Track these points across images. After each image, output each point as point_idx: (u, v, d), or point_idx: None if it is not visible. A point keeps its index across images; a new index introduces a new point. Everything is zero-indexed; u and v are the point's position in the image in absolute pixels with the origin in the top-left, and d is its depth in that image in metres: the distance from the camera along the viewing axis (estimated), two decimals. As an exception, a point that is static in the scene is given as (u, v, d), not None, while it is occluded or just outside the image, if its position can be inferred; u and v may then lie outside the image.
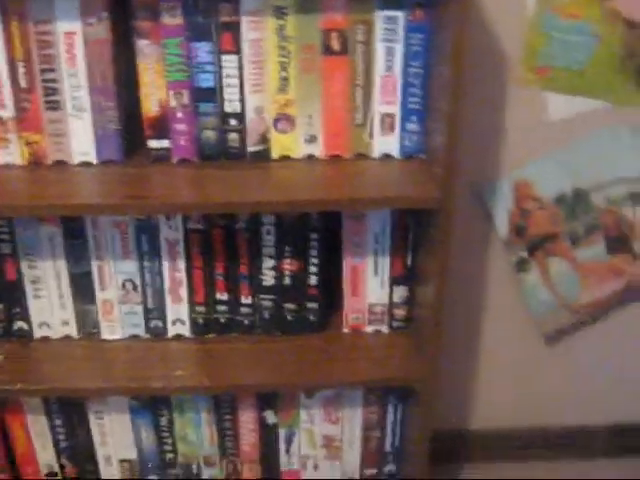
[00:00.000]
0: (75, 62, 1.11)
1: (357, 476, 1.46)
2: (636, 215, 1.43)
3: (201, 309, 1.29)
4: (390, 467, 1.46)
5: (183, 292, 1.28)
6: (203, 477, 1.44)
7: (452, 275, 1.44)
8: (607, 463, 1.69)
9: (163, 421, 1.38)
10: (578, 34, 1.28)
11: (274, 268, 1.26)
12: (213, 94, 1.15)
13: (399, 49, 1.13)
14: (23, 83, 1.13)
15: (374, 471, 1.46)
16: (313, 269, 1.27)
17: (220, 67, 1.13)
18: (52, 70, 1.12)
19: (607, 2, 1.26)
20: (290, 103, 1.16)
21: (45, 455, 1.41)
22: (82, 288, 1.28)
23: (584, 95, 1.33)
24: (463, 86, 1.02)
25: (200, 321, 1.30)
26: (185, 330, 1.31)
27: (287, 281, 1.27)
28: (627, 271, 1.48)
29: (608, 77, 1.32)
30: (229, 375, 1.25)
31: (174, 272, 1.27)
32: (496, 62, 1.31)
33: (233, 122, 1.17)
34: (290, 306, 1.29)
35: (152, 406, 1.36)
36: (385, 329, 1.33)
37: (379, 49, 1.13)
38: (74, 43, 1.10)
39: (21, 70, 1.12)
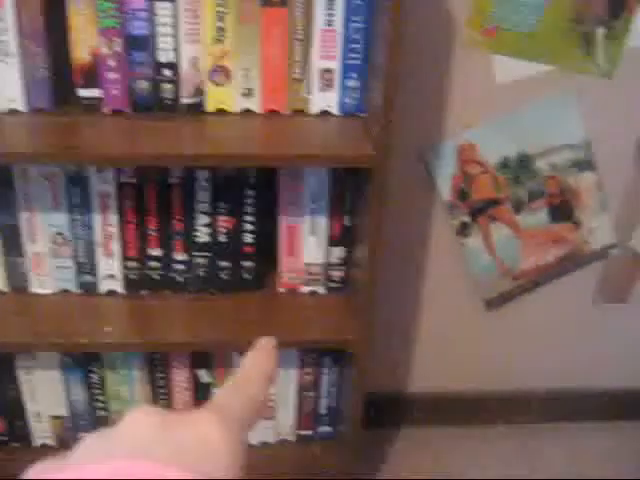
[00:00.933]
0: (2, 3, 1.07)
1: (291, 437, 1.45)
2: (579, 183, 1.43)
3: (133, 265, 1.26)
4: (325, 428, 1.45)
5: (115, 247, 1.25)
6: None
7: (393, 237, 1.43)
8: (541, 428, 1.70)
9: (94, 378, 1.35)
10: (527, -5, 1.26)
11: (209, 225, 1.24)
12: (146, 43, 1.11)
13: (340, 2, 1.10)
14: (-53, 24, 1.08)
15: (309, 432, 1.45)
16: (249, 227, 1.24)
17: (154, 14, 1.09)
18: (-23, 11, 1.07)
19: (557, -37, 1.24)
20: (226, 55, 1.13)
21: (-27, 410, 1.38)
22: (11, 240, 1.24)
23: (531, 59, 1.31)
24: (402, 42, 0.99)
25: (133, 277, 1.27)
26: (117, 286, 1.28)
27: (222, 238, 1.25)
28: (568, 239, 1.48)
29: (556, 41, 1.30)
30: (161, 332, 1.23)
31: (106, 226, 1.23)
32: (443, 22, 1.28)
33: (167, 72, 1.13)
34: (225, 264, 1.27)
35: (83, 363, 1.34)
36: (322, 290, 1.31)
37: (319, 2, 1.10)
38: (-1, -17, 1.05)
39: (-56, 10, 1.07)
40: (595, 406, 1.71)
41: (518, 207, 1.43)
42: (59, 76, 1.15)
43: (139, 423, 0.30)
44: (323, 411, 1.43)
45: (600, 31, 1.30)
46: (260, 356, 0.38)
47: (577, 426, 1.70)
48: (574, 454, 1.64)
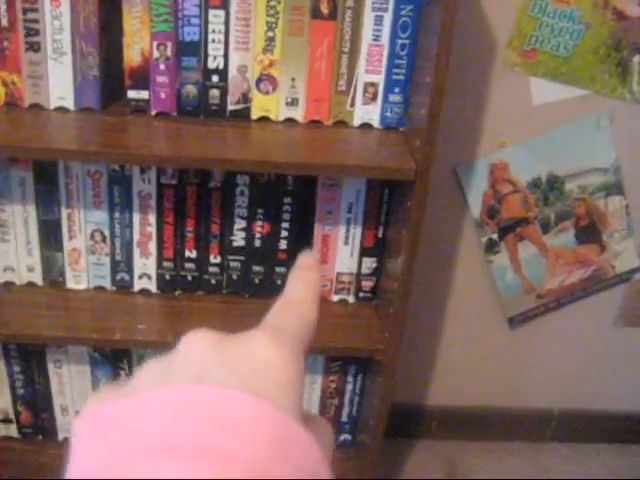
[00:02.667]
0: (59, 3, 1.09)
1: (312, 443, 1.47)
2: (607, 206, 1.45)
3: (169, 265, 1.29)
4: (345, 436, 1.47)
5: (152, 246, 1.27)
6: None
7: (422, 251, 1.44)
8: (557, 447, 1.72)
9: (122, 374, 1.37)
10: (567, 20, 1.28)
11: (245, 229, 1.26)
12: (197, 48, 1.14)
13: (388, 18, 1.12)
14: (4, 22, 1.11)
15: (329, 439, 1.47)
16: (284, 233, 1.27)
17: (206, 22, 1.12)
18: (35, 10, 1.10)
19: (598, -9, 1.26)
20: (274, 64, 1.15)
21: (2, 400, 1.40)
22: (50, 235, 1.26)
23: (567, 82, 1.34)
24: (449, 60, 1.01)
25: (167, 277, 1.30)
26: (151, 285, 1.31)
27: (257, 243, 1.27)
28: (594, 261, 1.50)
29: (592, 66, 1.32)
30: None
31: (144, 226, 1.26)
32: (484, 43, 1.31)
33: (215, 79, 1.16)
34: (258, 268, 1.29)
35: (112, 359, 1.36)
36: (351, 299, 1.33)
37: (368, 17, 1.12)
38: (59, -16, 1.08)
39: (2, 7, 1.10)
40: (612, 429, 1.72)
41: (546, 227, 1.45)
42: (109, 77, 1.18)
43: (195, 347, 0.30)
44: (345, 419, 1.45)
45: (636, 59, 1.32)
46: (305, 275, 0.36)
47: (593, 447, 1.72)
48: (587, 475, 1.65)
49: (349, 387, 1.41)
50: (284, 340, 0.31)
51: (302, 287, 0.36)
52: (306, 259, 0.37)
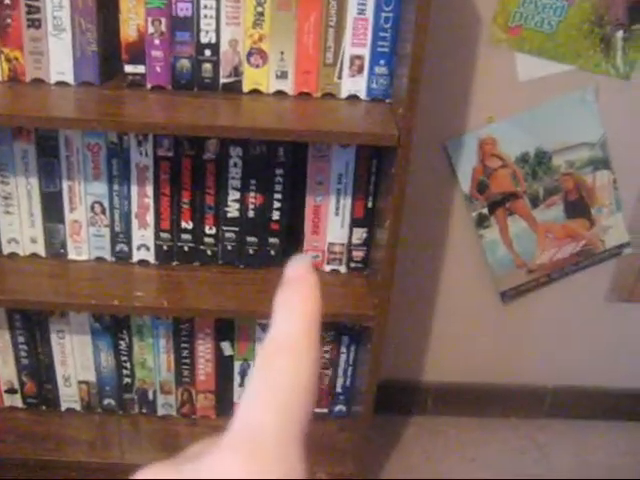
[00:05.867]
0: (58, -19, 1.15)
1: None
2: (595, 181, 1.48)
3: (166, 236, 1.33)
4: (340, 407, 1.50)
5: (150, 218, 1.32)
6: (158, 403, 1.48)
7: (414, 227, 1.48)
8: (551, 423, 1.74)
9: (122, 345, 1.42)
10: (550, -3, 1.32)
11: (239, 200, 1.31)
12: (190, 24, 1.19)
13: (372, -8, 1.17)
14: (6, 0, 1.17)
15: (325, 410, 1.51)
16: (277, 204, 1.31)
17: (198, -3, 1.17)
18: (35, -12, 1.16)
19: (580, -33, 1.30)
20: (264, 38, 1.20)
21: (7, 370, 1.45)
22: (52, 207, 1.31)
23: (552, 58, 1.37)
24: (428, 28, 1.06)
25: (164, 248, 1.34)
26: (150, 256, 1.35)
27: (251, 214, 1.32)
28: (583, 236, 1.53)
29: (577, 42, 1.36)
30: (189, 299, 1.29)
31: (142, 198, 1.30)
32: (470, 19, 1.35)
33: (208, 53, 1.21)
34: (252, 239, 1.34)
35: (113, 329, 1.40)
36: (343, 269, 1.37)
37: (353, -9, 1.17)
38: (57, -39, 1.13)
39: (5, -15, 1.15)
40: (606, 404, 1.75)
41: (535, 202, 1.49)
42: (107, 52, 1.23)
43: None
44: (339, 390, 1.48)
45: (619, 34, 1.36)
46: (296, 295, 0.28)
47: (587, 424, 1.74)
48: (582, 451, 1.67)
49: (343, 358, 1.45)
50: (262, 453, 0.24)
51: (294, 318, 0.27)
52: (296, 267, 0.29)
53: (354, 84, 1.23)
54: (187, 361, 1.44)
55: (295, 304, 0.27)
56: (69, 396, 1.48)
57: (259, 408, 0.25)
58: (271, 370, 0.26)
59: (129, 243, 1.34)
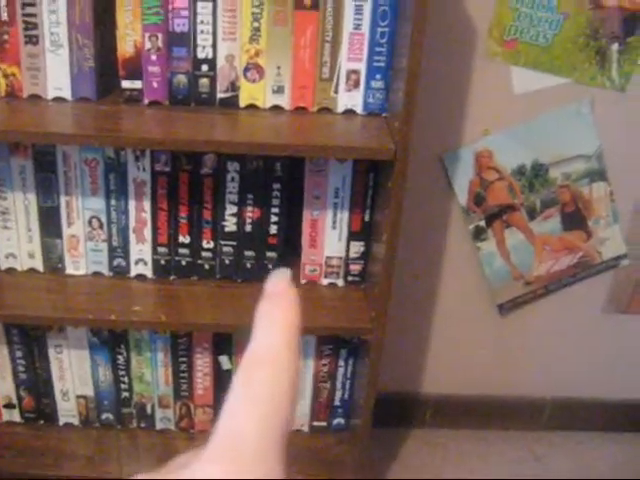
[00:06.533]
0: (55, -2, 1.16)
1: (306, 428, 1.51)
2: (592, 193, 1.48)
3: (163, 250, 1.34)
4: (338, 420, 1.50)
5: (147, 233, 1.32)
6: (157, 417, 1.48)
7: (412, 240, 1.49)
8: (549, 435, 1.74)
9: (120, 359, 1.42)
10: (546, 10, 1.33)
11: (236, 215, 1.31)
12: (187, 39, 1.19)
13: (368, 7, 1.17)
14: (4, 16, 1.17)
15: (323, 424, 1.50)
16: (274, 218, 1.31)
17: (195, 13, 1.18)
18: (33, 5, 1.16)
19: (574, -19, 1.31)
20: (260, 53, 1.20)
21: (5, 385, 1.44)
22: (50, 222, 1.32)
23: (548, 71, 1.38)
24: (424, 42, 1.06)
25: (162, 262, 1.35)
26: (147, 270, 1.35)
27: (248, 228, 1.32)
28: (580, 247, 1.53)
29: (572, 55, 1.37)
30: (186, 314, 1.30)
31: (140, 212, 1.31)
32: (465, 33, 1.36)
33: (204, 68, 1.21)
34: (250, 253, 1.34)
35: (110, 343, 1.40)
36: (340, 282, 1.37)
37: (349, 7, 1.17)
38: (55, -22, 1.14)
39: (2, 2, 1.16)
40: (604, 416, 1.75)
41: (532, 214, 1.49)
42: (104, 68, 1.23)
43: None
44: (337, 403, 1.48)
45: (614, 47, 1.37)
46: (275, 308, 0.29)
47: (585, 435, 1.74)
48: (580, 462, 1.67)
49: (341, 371, 1.45)
50: (242, 459, 0.25)
51: (274, 331, 0.29)
52: (276, 282, 0.30)
53: (350, 98, 1.23)
54: (185, 375, 1.44)
55: (275, 317, 0.29)
56: (67, 411, 1.48)
57: (241, 418, 0.26)
58: (252, 382, 0.27)
59: (127, 258, 1.35)
